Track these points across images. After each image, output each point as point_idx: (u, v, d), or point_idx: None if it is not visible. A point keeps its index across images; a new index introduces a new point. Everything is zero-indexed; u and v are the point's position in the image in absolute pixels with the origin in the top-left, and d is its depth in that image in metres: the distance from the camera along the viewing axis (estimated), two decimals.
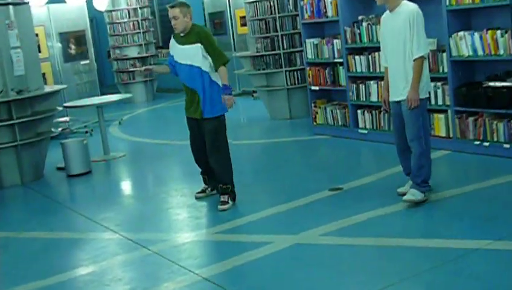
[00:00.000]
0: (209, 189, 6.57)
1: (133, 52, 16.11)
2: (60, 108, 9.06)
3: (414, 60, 5.41)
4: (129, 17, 15.98)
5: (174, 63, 6.20)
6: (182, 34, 6.09)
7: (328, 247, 4.90)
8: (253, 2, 10.67)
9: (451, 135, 7.24)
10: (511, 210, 5.21)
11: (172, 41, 6.25)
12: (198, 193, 6.58)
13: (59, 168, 8.83)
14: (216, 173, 6.19)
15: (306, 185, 6.68)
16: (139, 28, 16.04)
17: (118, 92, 15.34)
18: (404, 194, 5.66)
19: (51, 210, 7.02)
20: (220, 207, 6.07)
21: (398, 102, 5.62)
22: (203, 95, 5.99)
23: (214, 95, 6.01)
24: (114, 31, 16.10)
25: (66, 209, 7.00)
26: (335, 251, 4.81)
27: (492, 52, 6.68)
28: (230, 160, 6.21)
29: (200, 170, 6.52)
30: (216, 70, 6.00)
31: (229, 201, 6.13)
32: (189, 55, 6.00)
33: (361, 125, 8.48)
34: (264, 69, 10.65)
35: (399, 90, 5.57)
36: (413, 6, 5.50)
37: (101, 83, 16.34)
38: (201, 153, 6.27)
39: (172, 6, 6.04)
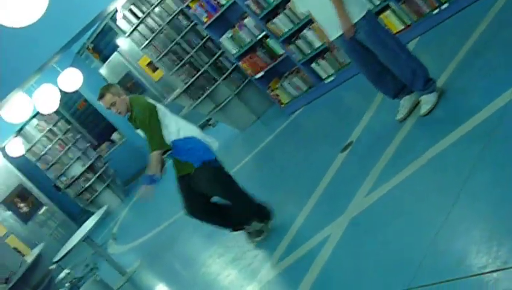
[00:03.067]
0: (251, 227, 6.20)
1: (77, 169, 16.02)
2: (53, 266, 9.00)
3: None
4: (51, 141, 15.89)
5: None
6: (130, 115, 5.86)
7: (382, 200, 4.90)
8: (148, 44, 10.69)
9: (408, 22, 7.30)
10: None
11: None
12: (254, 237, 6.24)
13: None
14: (237, 214, 6.09)
15: (317, 164, 6.68)
16: (66, 144, 15.96)
17: (91, 213, 15.24)
18: (405, 118, 5.66)
19: None
20: (255, 240, 6.02)
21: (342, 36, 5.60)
22: (183, 157, 5.89)
23: (192, 147, 5.87)
24: (47, 164, 16.00)
25: None
26: (391, 198, 4.81)
27: None
28: (245, 194, 6.03)
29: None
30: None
31: (260, 229, 6.03)
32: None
33: (323, 75, 8.51)
34: (203, 94, 10.66)
35: (335, 23, 5.53)
36: None
37: (71, 218, 16.29)
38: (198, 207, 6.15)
39: (101, 96, 5.77)
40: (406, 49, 5.63)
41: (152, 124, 5.71)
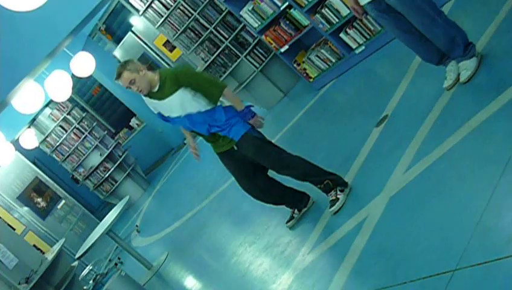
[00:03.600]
0: (296, 210, 6.20)
1: (94, 159, 16.16)
2: (75, 263, 9.10)
3: None
4: (66, 131, 16.03)
5: (167, 118, 5.81)
6: (154, 90, 5.65)
7: (423, 175, 4.87)
8: (163, 21, 10.70)
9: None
10: None
11: (147, 100, 5.77)
12: (288, 221, 6.22)
13: None
14: (303, 179, 5.89)
15: (351, 141, 6.67)
16: (82, 133, 16.10)
17: (113, 205, 15.38)
18: (453, 85, 5.59)
19: None
20: (331, 209, 5.68)
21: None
22: (221, 130, 5.71)
23: (232, 121, 5.69)
24: (63, 155, 16.16)
25: None
26: (432, 173, 4.77)
27: None
28: (298, 157, 5.83)
29: (266, 203, 6.28)
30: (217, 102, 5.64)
31: (339, 194, 5.73)
32: (178, 105, 5.60)
33: (353, 45, 8.46)
34: (225, 72, 10.66)
35: None
36: None
37: (91, 211, 16.45)
38: (252, 182, 6.04)
39: (119, 75, 5.56)
40: (442, 14, 5.55)
41: (198, 76, 5.67)
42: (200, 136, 5.89)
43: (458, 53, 5.47)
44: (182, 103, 5.56)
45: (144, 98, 5.77)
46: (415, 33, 5.57)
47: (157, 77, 5.60)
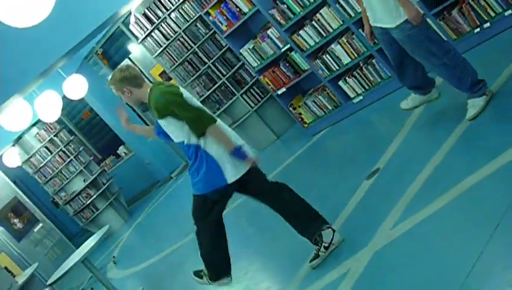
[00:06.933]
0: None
1: (78, 184, 16.10)
2: (47, 289, 9.03)
3: None
4: (51, 153, 15.99)
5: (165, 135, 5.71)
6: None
7: (410, 233, 4.89)
8: (162, 51, 10.78)
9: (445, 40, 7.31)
10: None
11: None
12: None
13: None
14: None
15: (340, 191, 6.69)
16: (67, 156, 16.05)
17: (91, 233, 15.31)
18: (408, 110, 5.91)
19: None
20: (311, 264, 5.63)
21: (384, 29, 5.76)
22: (191, 172, 5.66)
23: (201, 170, 5.54)
24: (45, 177, 16.09)
25: None
26: (419, 232, 4.80)
27: None
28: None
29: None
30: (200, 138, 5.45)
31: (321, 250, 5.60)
32: (169, 131, 5.55)
33: (351, 94, 8.54)
34: (219, 109, 10.70)
35: (383, 15, 5.69)
36: None
37: (69, 237, 16.36)
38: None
39: (108, 84, 5.67)
40: (450, 52, 5.71)
41: (181, 105, 5.39)
42: None
43: (465, 90, 5.68)
44: (172, 131, 5.52)
45: None
46: (409, 65, 5.79)
47: (146, 95, 5.56)
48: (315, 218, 5.67)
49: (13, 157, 15.60)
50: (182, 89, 5.53)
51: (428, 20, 7.25)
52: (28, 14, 5.17)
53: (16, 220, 14.09)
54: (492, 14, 6.82)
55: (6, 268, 10.62)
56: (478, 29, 6.98)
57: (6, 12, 5.09)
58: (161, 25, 10.64)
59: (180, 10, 10.43)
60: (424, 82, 6.18)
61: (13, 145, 15.70)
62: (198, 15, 10.10)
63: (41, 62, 8.77)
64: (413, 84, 6.17)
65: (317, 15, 8.12)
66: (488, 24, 6.88)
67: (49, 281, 9.69)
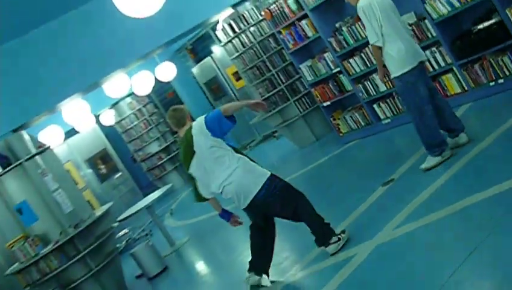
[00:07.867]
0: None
1: (154, 147, 16.29)
2: (116, 224, 9.17)
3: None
4: (138, 119, 16.21)
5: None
6: None
7: (407, 235, 4.85)
8: (238, 56, 10.82)
9: (466, 88, 7.20)
10: None
11: None
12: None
13: (138, 277, 8.89)
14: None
15: (359, 192, 6.64)
16: (149, 125, 16.26)
17: (157, 188, 15.47)
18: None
19: None
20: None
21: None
22: None
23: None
24: (130, 137, 16.32)
25: None
26: (416, 235, 4.76)
27: (468, 0, 6.71)
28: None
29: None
30: None
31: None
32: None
33: (382, 116, 8.47)
34: (274, 109, 10.71)
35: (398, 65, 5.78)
36: (360, 2, 5.72)
37: (140, 187, 16.54)
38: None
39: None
40: (424, 116, 5.74)
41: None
42: None
43: (424, 145, 5.90)
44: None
45: None
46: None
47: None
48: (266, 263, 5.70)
49: (109, 118, 15.85)
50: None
51: (454, 68, 7.18)
52: (144, 7, 5.26)
53: (102, 166, 14.30)
54: (507, 73, 6.69)
55: (88, 201, 10.81)
56: (493, 82, 6.85)
57: (127, 4, 5.19)
58: (241, 35, 10.68)
59: (258, 26, 10.47)
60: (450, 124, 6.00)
61: (110, 108, 15.95)
62: (271, 32, 10.11)
63: (145, 46, 8.88)
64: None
65: (366, 49, 8.06)
66: (502, 80, 6.76)
67: (119, 218, 9.86)
